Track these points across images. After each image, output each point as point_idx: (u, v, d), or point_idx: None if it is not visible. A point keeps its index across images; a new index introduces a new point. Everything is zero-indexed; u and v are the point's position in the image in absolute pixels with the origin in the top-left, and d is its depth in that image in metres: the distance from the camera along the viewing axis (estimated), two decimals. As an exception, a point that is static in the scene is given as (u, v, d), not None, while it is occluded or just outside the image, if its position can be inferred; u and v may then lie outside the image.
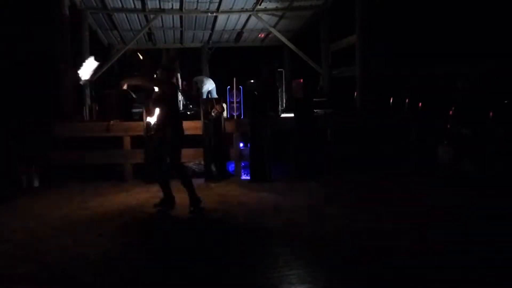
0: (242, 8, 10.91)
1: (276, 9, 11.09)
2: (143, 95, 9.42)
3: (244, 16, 11.59)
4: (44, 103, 8.61)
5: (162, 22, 11.79)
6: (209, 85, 11.63)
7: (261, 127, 7.24)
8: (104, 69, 10.72)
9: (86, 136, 7.56)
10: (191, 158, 7.67)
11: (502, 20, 11.04)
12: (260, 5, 10.61)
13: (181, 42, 14.16)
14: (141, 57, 6.06)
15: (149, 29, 12.09)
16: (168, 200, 5.36)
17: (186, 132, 7.59)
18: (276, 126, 7.60)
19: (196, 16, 11.43)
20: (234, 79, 9.57)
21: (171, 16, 11.36)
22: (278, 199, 5.77)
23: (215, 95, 11.43)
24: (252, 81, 10.76)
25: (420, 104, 8.67)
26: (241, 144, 7.76)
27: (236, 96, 10.08)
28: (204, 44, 14.35)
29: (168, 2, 10.27)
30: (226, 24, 12.31)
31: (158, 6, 10.51)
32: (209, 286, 3.17)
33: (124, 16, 11.24)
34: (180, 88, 11.99)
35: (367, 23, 9.27)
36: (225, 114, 8.13)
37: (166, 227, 4.65)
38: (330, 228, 4.45)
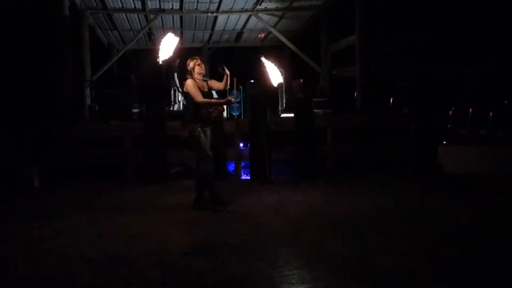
0: (242, 8, 10.91)
1: (276, 9, 11.10)
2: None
3: (244, 16, 11.59)
4: (45, 103, 8.60)
5: (162, 22, 11.80)
6: None
7: (261, 127, 7.24)
8: (104, 69, 10.74)
9: (86, 136, 7.56)
10: (191, 158, 7.66)
11: (502, 20, 11.03)
12: (260, 5, 10.62)
13: (181, 42, 14.16)
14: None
15: (149, 29, 12.10)
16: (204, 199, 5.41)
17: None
18: (276, 126, 7.60)
19: (196, 16, 11.44)
20: (234, 79, 9.57)
21: (171, 16, 11.37)
22: (278, 199, 5.77)
23: (214, 95, 11.43)
24: (252, 81, 10.78)
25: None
26: (241, 144, 7.76)
27: (236, 96, 10.08)
28: (204, 44, 14.35)
29: (168, 2, 10.28)
30: (226, 24, 12.31)
31: (158, 6, 10.52)
32: (210, 285, 3.17)
33: (124, 16, 11.25)
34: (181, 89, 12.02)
35: (367, 23, 9.27)
36: (225, 114, 8.12)
37: (165, 227, 4.64)
38: (330, 228, 4.44)
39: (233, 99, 5.97)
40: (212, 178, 5.41)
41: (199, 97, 5.18)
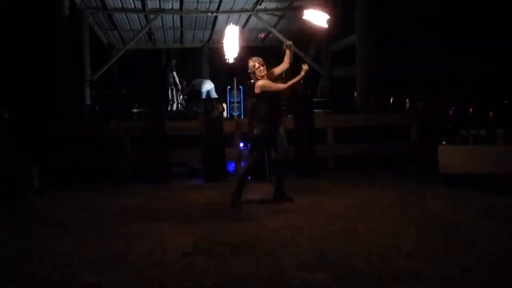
0: (242, 8, 10.92)
1: (276, 9, 11.11)
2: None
3: (244, 16, 11.59)
4: (45, 102, 8.61)
5: (162, 22, 11.80)
6: (208, 85, 11.68)
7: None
8: (104, 69, 10.74)
9: (86, 136, 7.56)
10: (191, 158, 7.67)
11: (502, 20, 11.03)
12: (260, 5, 10.62)
13: (181, 42, 14.17)
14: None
15: (149, 29, 12.10)
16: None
17: (187, 132, 7.66)
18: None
19: (196, 16, 11.44)
20: (234, 79, 9.57)
21: (171, 16, 11.37)
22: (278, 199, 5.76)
23: (214, 95, 11.46)
24: (252, 81, 10.77)
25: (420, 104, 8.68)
26: (241, 144, 7.76)
27: (236, 96, 10.09)
28: (204, 44, 14.36)
29: (168, 2, 10.28)
30: (226, 24, 12.31)
31: (158, 6, 10.52)
32: (210, 285, 3.17)
33: (124, 16, 11.25)
34: (180, 88, 12.04)
35: (367, 23, 9.27)
36: (225, 114, 8.13)
37: (165, 227, 4.64)
38: (330, 228, 4.44)
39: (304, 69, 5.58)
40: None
41: (281, 86, 5.31)
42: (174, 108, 12.00)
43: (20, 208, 5.66)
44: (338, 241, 4.04)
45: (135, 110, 10.10)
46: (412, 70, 11.82)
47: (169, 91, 11.81)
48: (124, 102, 9.76)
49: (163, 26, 12.25)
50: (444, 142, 6.88)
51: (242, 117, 9.82)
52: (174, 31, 13.00)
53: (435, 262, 3.46)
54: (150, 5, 10.35)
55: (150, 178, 7.06)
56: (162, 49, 15.26)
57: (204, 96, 11.29)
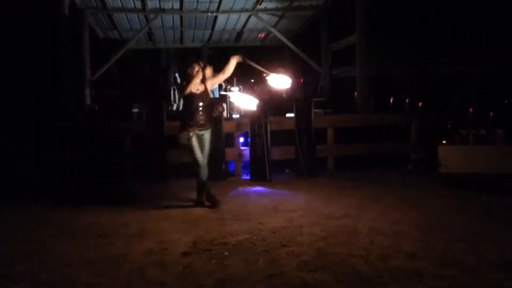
0: (242, 8, 10.92)
1: (276, 9, 11.11)
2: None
3: (244, 16, 11.60)
4: (44, 102, 8.60)
5: (162, 22, 11.80)
6: None
7: (261, 127, 7.25)
8: (104, 69, 10.74)
9: (86, 135, 7.56)
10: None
11: (503, 20, 11.03)
12: (260, 5, 10.63)
13: (181, 42, 14.17)
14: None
15: (149, 29, 12.11)
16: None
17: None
18: (276, 126, 7.60)
19: (196, 16, 11.45)
20: (234, 79, 9.58)
21: (171, 16, 11.37)
22: (278, 199, 5.77)
23: (217, 95, 11.46)
24: (252, 81, 10.78)
25: (420, 104, 8.68)
26: (241, 142, 7.77)
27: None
28: (204, 44, 14.36)
29: (168, 2, 10.28)
30: (226, 24, 12.32)
31: (158, 6, 10.53)
32: (210, 285, 3.17)
33: (124, 16, 11.25)
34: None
35: (367, 23, 9.28)
36: (225, 114, 8.13)
37: (165, 227, 4.65)
38: (330, 228, 4.44)
39: None
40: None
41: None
42: (175, 108, 11.99)
43: (20, 208, 5.66)
44: (338, 241, 4.04)
45: (135, 110, 10.11)
46: (412, 70, 11.82)
47: (171, 91, 11.82)
48: (122, 102, 9.77)
49: (163, 26, 12.25)
50: (444, 142, 6.89)
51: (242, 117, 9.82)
52: (174, 31, 13.00)
53: (435, 262, 3.46)
54: (150, 5, 10.35)
55: (149, 177, 7.07)
56: (162, 49, 15.25)
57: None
